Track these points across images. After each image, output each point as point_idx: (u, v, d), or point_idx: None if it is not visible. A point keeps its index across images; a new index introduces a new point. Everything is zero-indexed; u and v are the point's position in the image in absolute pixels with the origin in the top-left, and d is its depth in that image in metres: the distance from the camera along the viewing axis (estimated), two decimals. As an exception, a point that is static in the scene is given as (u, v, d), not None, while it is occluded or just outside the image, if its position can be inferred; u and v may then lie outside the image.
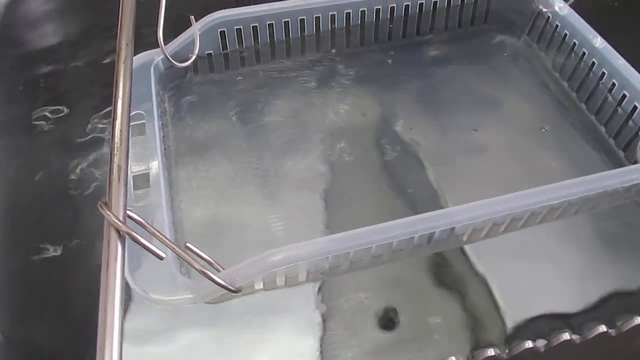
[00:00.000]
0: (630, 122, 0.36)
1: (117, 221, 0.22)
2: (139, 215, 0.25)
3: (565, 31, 0.41)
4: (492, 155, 0.37)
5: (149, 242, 0.22)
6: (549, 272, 0.32)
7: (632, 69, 0.37)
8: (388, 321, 0.30)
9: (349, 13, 0.42)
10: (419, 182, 0.36)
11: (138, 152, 0.33)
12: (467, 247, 0.32)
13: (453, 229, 0.29)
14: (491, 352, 0.29)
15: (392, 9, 0.43)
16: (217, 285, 0.26)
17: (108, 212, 0.22)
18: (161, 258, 0.22)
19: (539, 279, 0.32)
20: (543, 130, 0.38)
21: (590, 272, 0.32)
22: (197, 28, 0.40)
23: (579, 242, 0.33)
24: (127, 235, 0.22)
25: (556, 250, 0.33)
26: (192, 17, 0.40)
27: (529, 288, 0.31)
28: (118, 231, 0.22)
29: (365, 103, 0.40)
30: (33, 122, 0.39)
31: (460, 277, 0.31)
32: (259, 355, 0.29)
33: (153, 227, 0.25)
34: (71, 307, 0.31)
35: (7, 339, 0.30)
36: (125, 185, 0.24)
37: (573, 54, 0.41)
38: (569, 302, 0.31)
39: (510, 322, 0.30)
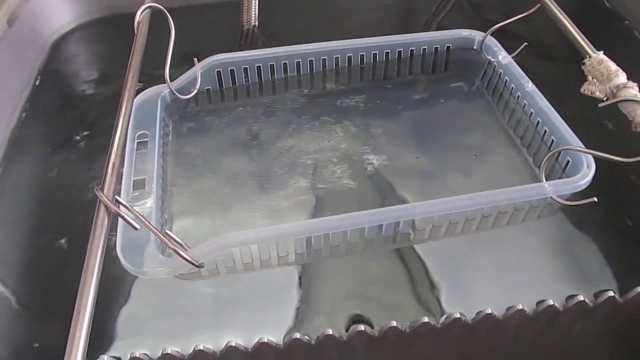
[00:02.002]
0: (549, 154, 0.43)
1: (107, 201, 0.30)
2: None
3: (506, 77, 0.48)
4: (434, 177, 0.45)
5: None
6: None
7: (553, 109, 0.43)
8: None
9: (325, 59, 0.51)
10: (382, 194, 0.43)
11: (140, 162, 0.42)
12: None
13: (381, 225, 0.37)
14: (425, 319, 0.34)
15: (362, 56, 0.52)
16: (184, 263, 0.34)
17: (101, 194, 0.30)
18: (136, 229, 0.30)
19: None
20: (472, 156, 0.45)
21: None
22: (198, 68, 0.49)
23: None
24: (113, 213, 0.30)
25: (504, 257, 0.40)
26: (195, 59, 0.49)
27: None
28: (107, 208, 0.30)
29: (336, 130, 0.48)
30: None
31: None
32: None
33: (137, 211, 0.33)
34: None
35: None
36: (117, 178, 0.32)
37: (511, 96, 0.48)
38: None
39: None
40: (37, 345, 0.35)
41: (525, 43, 0.50)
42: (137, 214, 0.31)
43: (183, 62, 0.49)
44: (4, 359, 0.35)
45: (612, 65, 0.36)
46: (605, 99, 0.36)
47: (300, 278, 0.38)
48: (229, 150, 0.47)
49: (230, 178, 0.45)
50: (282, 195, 0.43)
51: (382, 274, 0.39)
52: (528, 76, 0.47)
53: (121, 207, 0.32)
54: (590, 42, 0.41)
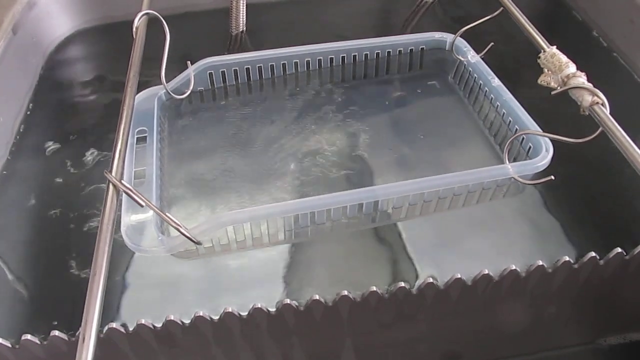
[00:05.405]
0: (515, 142, 0.47)
1: (115, 180, 0.34)
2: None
3: (475, 74, 0.53)
4: (411, 165, 0.49)
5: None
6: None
7: (516, 101, 0.48)
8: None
9: (309, 61, 0.55)
10: (362, 182, 0.48)
11: (139, 155, 0.46)
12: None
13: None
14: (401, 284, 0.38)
15: (343, 57, 0.56)
16: (182, 241, 0.38)
17: (110, 175, 0.34)
18: (141, 206, 0.34)
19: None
20: (421, 136, 0.50)
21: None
22: (191, 70, 0.53)
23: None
24: (121, 190, 0.34)
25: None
26: (189, 62, 0.53)
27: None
28: (115, 188, 0.34)
29: (320, 125, 0.52)
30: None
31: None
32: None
33: (140, 193, 0.37)
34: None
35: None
36: (123, 162, 0.36)
37: (479, 91, 0.52)
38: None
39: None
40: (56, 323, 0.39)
41: (492, 43, 0.54)
42: (140, 196, 0.35)
43: (177, 65, 0.53)
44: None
45: (563, 58, 0.41)
46: (558, 87, 0.40)
47: (291, 260, 0.42)
48: (220, 145, 0.51)
49: (221, 170, 0.49)
50: (269, 185, 0.47)
51: (366, 252, 0.43)
52: (494, 72, 0.51)
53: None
54: (548, 39, 0.45)
